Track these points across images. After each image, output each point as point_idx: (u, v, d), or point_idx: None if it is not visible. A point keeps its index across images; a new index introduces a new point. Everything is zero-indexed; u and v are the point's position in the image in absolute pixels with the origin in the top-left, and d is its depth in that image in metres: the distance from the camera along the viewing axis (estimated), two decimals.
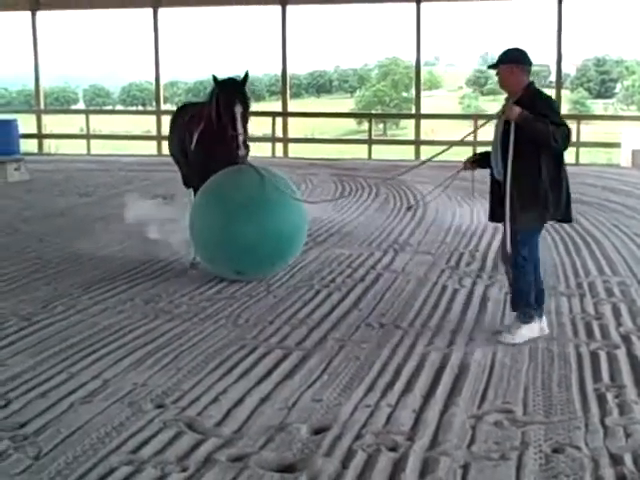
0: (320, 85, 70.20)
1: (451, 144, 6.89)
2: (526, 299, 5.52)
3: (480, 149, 6.63)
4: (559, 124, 5.23)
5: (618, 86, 73.05)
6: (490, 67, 5.79)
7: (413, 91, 22.59)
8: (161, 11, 21.10)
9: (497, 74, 5.56)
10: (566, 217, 5.56)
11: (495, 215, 5.59)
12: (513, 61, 5.50)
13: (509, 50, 5.62)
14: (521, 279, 5.51)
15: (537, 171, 5.29)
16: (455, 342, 5.42)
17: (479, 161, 5.87)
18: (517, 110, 5.23)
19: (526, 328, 5.49)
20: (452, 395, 4.49)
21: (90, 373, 4.79)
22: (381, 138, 39.14)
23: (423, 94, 22.69)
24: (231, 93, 7.04)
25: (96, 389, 4.54)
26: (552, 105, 5.54)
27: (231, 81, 7.22)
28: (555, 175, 5.34)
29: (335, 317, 5.99)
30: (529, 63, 5.60)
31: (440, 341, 5.45)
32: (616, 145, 19.06)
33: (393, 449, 3.84)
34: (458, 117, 38.03)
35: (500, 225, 5.49)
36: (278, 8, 20.58)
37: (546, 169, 5.29)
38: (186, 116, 7.88)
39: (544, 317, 5.66)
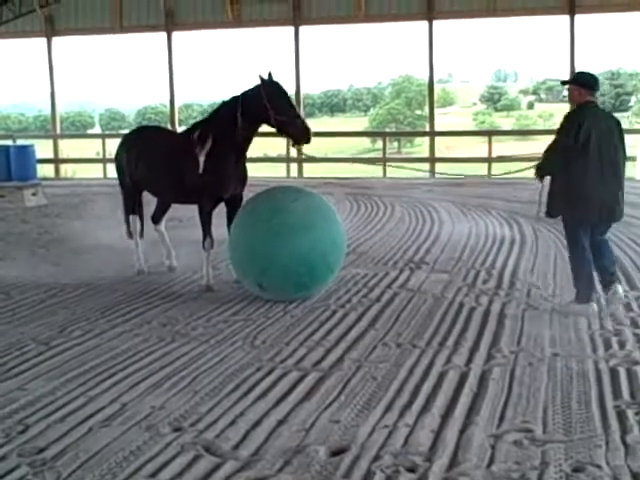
0: (334, 104, 70.42)
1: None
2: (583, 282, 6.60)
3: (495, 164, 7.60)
4: (556, 140, 6.53)
5: (633, 99, 72.88)
6: (563, 83, 7.17)
7: (427, 108, 22.60)
8: (175, 34, 21.29)
9: (568, 89, 6.88)
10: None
11: None
12: (577, 82, 6.74)
13: (579, 73, 7.09)
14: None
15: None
16: (473, 361, 5.39)
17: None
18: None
19: (577, 307, 6.55)
20: (471, 414, 4.46)
21: (108, 397, 4.79)
22: (396, 156, 39.22)
23: (437, 111, 22.75)
24: (280, 86, 7.36)
25: (114, 413, 4.54)
26: (570, 117, 6.60)
27: (271, 79, 7.39)
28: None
29: (352, 337, 5.97)
30: (592, 87, 6.72)
31: (458, 360, 5.42)
32: (632, 159, 18.98)
33: (412, 470, 3.81)
34: (472, 134, 37.99)
35: None
36: (291, 29, 20.73)
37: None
38: (155, 140, 8.20)
39: (614, 286, 6.63)
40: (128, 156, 8.24)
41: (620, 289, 6.69)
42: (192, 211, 8.07)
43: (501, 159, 19.48)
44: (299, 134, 7.25)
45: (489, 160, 19.72)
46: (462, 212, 12.59)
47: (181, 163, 7.65)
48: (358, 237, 10.71)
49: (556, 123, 17.54)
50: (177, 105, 22.30)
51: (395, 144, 51.29)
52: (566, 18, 19.70)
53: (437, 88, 27.54)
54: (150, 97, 63.13)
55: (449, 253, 9.32)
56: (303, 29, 20.92)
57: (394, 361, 5.41)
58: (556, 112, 47.80)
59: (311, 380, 5.04)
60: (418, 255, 9.23)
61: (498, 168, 18.11)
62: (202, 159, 7.44)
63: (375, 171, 21.05)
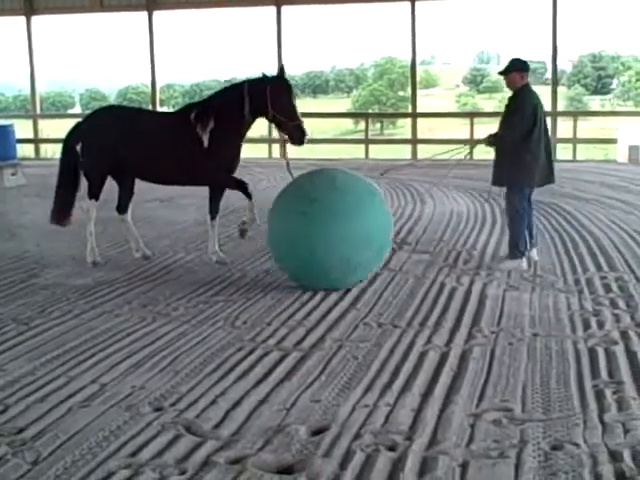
0: (317, 85, 70.21)
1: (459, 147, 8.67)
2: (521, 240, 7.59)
3: None
4: (510, 115, 7.48)
5: (615, 82, 73.12)
6: (502, 73, 7.71)
7: (409, 90, 22.54)
8: (156, 14, 21.09)
9: (504, 78, 7.66)
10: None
11: None
12: (520, 69, 7.55)
13: (516, 59, 7.69)
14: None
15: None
16: (453, 340, 5.42)
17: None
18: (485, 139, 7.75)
19: (511, 262, 7.51)
20: (451, 394, 4.48)
21: (88, 377, 4.78)
22: (378, 137, 39.18)
23: (419, 93, 22.70)
24: (286, 85, 7.36)
25: (94, 393, 4.53)
26: (522, 99, 7.52)
27: (280, 75, 7.45)
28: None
29: (333, 317, 5.98)
30: (528, 69, 7.69)
31: (438, 340, 5.44)
32: (613, 141, 19.07)
33: (392, 449, 3.83)
34: (454, 115, 37.90)
35: None
36: (273, 9, 20.59)
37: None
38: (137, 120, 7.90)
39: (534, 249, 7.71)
40: (104, 138, 7.70)
41: (535, 252, 7.76)
42: (172, 191, 8.03)
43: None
44: (295, 135, 7.33)
45: (471, 142, 19.69)
46: (444, 193, 12.59)
47: (183, 143, 7.51)
48: None
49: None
50: (159, 85, 22.13)
51: (378, 125, 51.24)
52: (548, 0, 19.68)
53: (420, 70, 27.51)
54: (131, 77, 62.66)
55: (431, 234, 9.34)
56: (285, 9, 20.78)
57: (375, 341, 5.43)
58: (539, 94, 47.91)
59: (292, 360, 5.05)
60: (400, 235, 9.23)
61: (479, 150, 18.12)
62: (206, 137, 7.41)
63: (357, 152, 21.03)
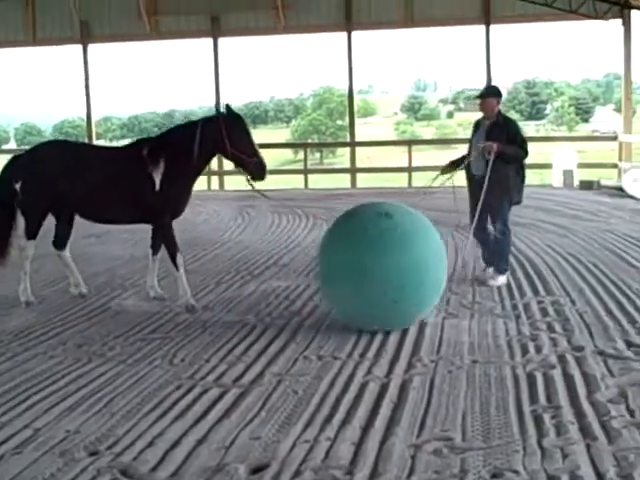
0: (256, 116, 70.44)
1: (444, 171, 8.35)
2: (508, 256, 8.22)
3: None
4: (523, 142, 7.82)
5: (548, 107, 74.89)
6: (481, 96, 8.05)
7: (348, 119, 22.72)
8: (91, 47, 20.97)
9: (479, 103, 8.01)
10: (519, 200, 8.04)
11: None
12: (497, 95, 8.05)
13: (494, 86, 8.59)
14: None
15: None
16: (394, 371, 5.41)
17: (455, 165, 8.20)
18: (495, 147, 7.62)
19: (501, 277, 7.93)
20: (391, 425, 4.46)
21: (21, 422, 4.63)
22: (317, 167, 39.38)
23: (358, 121, 22.95)
24: (242, 121, 7.28)
25: (27, 439, 4.39)
26: (518, 126, 8.18)
27: (233, 112, 7.30)
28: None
29: (272, 352, 5.92)
30: (501, 96, 8.20)
31: (379, 370, 5.43)
32: (548, 166, 19.46)
33: None
34: (392, 143, 38.30)
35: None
36: (210, 41, 20.65)
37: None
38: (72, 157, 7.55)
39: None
40: (46, 175, 7.40)
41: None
42: (107, 227, 7.90)
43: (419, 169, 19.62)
44: (255, 171, 7.21)
45: (409, 170, 19.95)
46: None
47: (133, 181, 7.28)
48: (280, 249, 10.68)
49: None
50: (95, 119, 21.93)
51: (317, 155, 51.56)
52: (482, 28, 20.11)
53: (358, 99, 27.80)
54: (67, 111, 62.04)
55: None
56: (222, 41, 20.85)
57: (315, 374, 5.39)
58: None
59: (231, 397, 4.98)
60: None
61: (418, 177, 18.31)
62: (158, 178, 7.20)
63: (297, 182, 21.09)
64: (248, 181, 7.30)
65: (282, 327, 6.59)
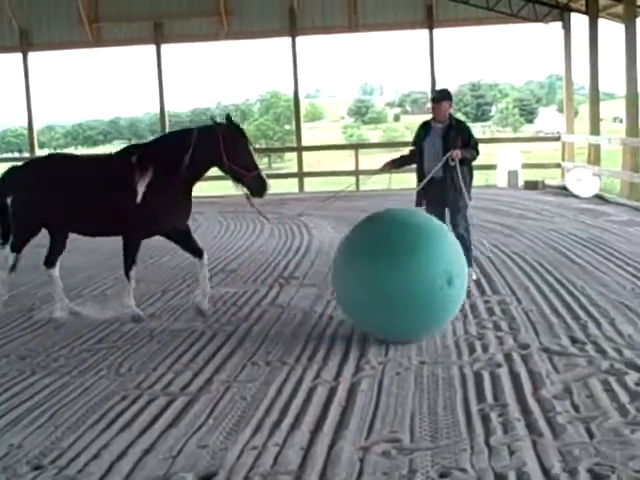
0: (202, 122, 70.12)
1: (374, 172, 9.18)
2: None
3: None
4: (476, 144, 8.06)
5: (493, 109, 75.94)
6: (437, 100, 8.10)
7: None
8: (31, 55, 20.66)
9: (434, 106, 8.09)
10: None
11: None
12: (450, 98, 8.17)
13: (446, 90, 8.39)
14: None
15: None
16: (342, 374, 5.41)
17: (396, 165, 8.32)
18: (460, 154, 7.81)
19: (471, 269, 7.83)
20: (340, 429, 4.45)
21: None
22: (265, 172, 39.25)
23: (306, 126, 23.01)
24: (241, 132, 6.91)
25: None
26: (470, 128, 8.31)
27: (233, 122, 6.92)
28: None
29: (220, 358, 5.88)
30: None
31: (327, 374, 5.42)
32: (493, 167, 19.70)
33: None
34: (339, 147, 38.25)
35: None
36: (153, 47, 20.50)
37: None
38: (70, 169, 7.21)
39: None
40: (33, 189, 7.08)
41: None
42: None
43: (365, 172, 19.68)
44: (255, 187, 6.83)
45: (356, 173, 20.02)
46: (332, 226, 12.69)
47: (115, 190, 6.89)
48: (227, 255, 10.63)
49: None
50: (37, 127, 21.59)
51: (266, 160, 51.45)
52: (426, 32, 20.30)
53: (305, 103, 27.82)
54: (9, 120, 61.01)
55: (318, 267, 9.37)
56: (166, 47, 20.71)
57: (263, 380, 5.36)
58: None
59: (179, 405, 4.92)
60: (287, 270, 9.24)
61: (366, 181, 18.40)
62: (141, 189, 6.81)
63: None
64: (247, 197, 6.96)
65: (230, 334, 6.55)
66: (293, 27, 20.14)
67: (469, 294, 7.50)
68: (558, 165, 20.16)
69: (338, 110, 76.77)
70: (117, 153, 7.57)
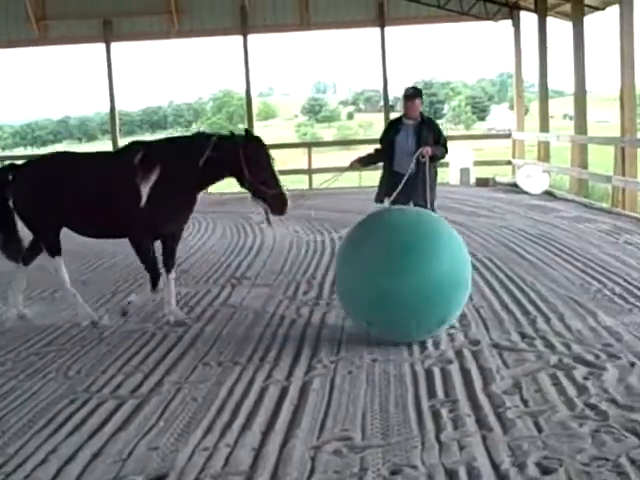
0: (154, 121, 69.55)
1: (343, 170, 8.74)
2: None
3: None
4: (445, 142, 8.16)
5: (446, 107, 76.54)
6: (410, 97, 8.09)
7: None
8: None
9: (407, 103, 8.07)
10: None
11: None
12: (421, 95, 8.28)
13: (418, 87, 8.63)
14: None
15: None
16: (294, 373, 5.40)
17: (363, 163, 8.26)
18: (431, 151, 7.89)
19: None
20: (292, 428, 4.44)
21: None
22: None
23: (259, 124, 22.95)
24: (264, 147, 6.62)
25: None
26: (440, 127, 8.45)
27: (253, 135, 6.69)
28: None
29: (171, 360, 5.82)
30: None
31: (279, 374, 5.41)
32: (445, 164, 19.82)
33: None
34: (292, 146, 38.14)
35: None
36: (102, 46, 20.27)
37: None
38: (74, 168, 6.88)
39: None
40: (46, 188, 6.82)
41: None
42: None
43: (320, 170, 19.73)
44: (276, 205, 6.55)
45: (309, 171, 20.05)
46: (284, 224, 12.64)
47: (117, 189, 6.61)
48: (179, 255, 10.50)
49: (376, 132, 17.93)
50: None
51: None
52: (377, 30, 20.38)
53: (258, 101, 27.73)
54: None
55: (271, 266, 9.35)
56: (115, 45, 20.50)
57: (215, 380, 5.32)
58: (375, 121, 49.21)
59: (128, 408, 4.87)
60: (240, 270, 9.20)
61: (319, 179, 18.43)
62: (145, 190, 6.52)
63: None
64: (266, 214, 6.72)
65: (181, 335, 6.50)
66: (244, 25, 20.08)
67: None
68: (509, 162, 20.38)
69: (292, 108, 76.71)
70: (120, 150, 7.28)
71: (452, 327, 6.32)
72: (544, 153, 18.39)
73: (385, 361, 5.57)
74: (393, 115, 23.99)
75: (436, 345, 5.90)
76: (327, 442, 4.24)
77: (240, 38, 20.36)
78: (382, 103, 22.13)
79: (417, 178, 7.91)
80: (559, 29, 18.00)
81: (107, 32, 20.02)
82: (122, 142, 21.96)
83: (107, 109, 21.33)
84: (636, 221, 11.99)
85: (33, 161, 7.46)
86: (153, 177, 6.55)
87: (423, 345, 5.90)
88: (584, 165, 16.21)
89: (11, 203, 7.00)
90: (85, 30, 20.12)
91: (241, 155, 6.44)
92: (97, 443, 4.34)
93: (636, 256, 8.97)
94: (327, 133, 65.93)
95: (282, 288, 8.08)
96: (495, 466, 3.86)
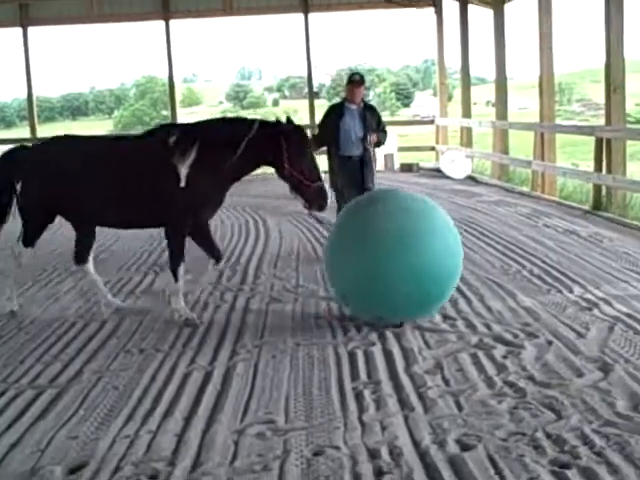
0: (75, 108, 68.14)
1: None
2: None
3: None
4: (385, 127, 8.52)
5: (371, 93, 77.00)
6: (357, 83, 8.32)
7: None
8: None
9: (353, 89, 8.30)
10: None
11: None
12: (365, 81, 8.53)
13: (362, 75, 8.68)
14: None
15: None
16: (217, 359, 5.37)
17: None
18: (376, 137, 8.30)
19: None
20: (215, 413, 4.42)
21: None
22: None
23: (184, 111, 22.72)
24: (306, 137, 6.35)
25: None
26: (380, 113, 8.72)
27: (295, 124, 6.24)
28: None
29: (92, 348, 5.72)
30: None
31: (202, 359, 5.37)
32: None
33: (154, 477, 3.71)
34: None
35: None
36: (19, 30, 19.72)
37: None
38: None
39: None
40: (51, 177, 6.33)
41: None
42: None
43: None
44: (316, 200, 6.23)
45: None
46: None
47: (154, 173, 6.16)
48: (99, 244, 10.32)
49: (302, 119, 17.92)
50: None
51: None
52: (301, 16, 20.32)
53: (182, 88, 27.41)
54: None
55: (194, 252, 9.21)
56: (33, 30, 19.97)
57: (137, 368, 5.26)
58: (300, 108, 49.20)
59: (47, 397, 4.76)
60: (163, 257, 9.06)
61: None
62: (184, 171, 6.08)
63: None
64: (309, 210, 6.54)
65: (102, 323, 6.39)
66: (166, 10, 19.78)
67: None
68: (432, 148, 20.63)
69: (216, 95, 76.13)
70: (147, 133, 6.72)
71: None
72: (467, 139, 18.65)
73: (309, 345, 5.58)
74: (318, 102, 24.08)
75: (359, 328, 5.94)
76: (250, 426, 4.23)
77: (162, 23, 20.05)
78: (307, 90, 22.12)
79: (365, 162, 8.21)
80: (481, 16, 18.23)
81: (23, 16, 19.46)
82: (41, 129, 21.55)
83: (25, 95, 20.80)
84: (555, 204, 12.29)
85: (44, 144, 6.92)
86: (190, 159, 6.09)
87: (346, 328, 5.94)
88: (505, 150, 16.51)
89: (19, 187, 6.46)
90: (1, 14, 19.53)
91: (283, 144, 6.06)
92: (14, 434, 4.24)
93: (554, 238, 9.19)
94: None
95: (206, 274, 8.00)
96: (416, 444, 3.91)
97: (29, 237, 6.61)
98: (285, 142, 6.06)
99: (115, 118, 64.92)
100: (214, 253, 6.66)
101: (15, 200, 6.57)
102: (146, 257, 9.19)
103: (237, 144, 6.09)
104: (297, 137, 6.15)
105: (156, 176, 6.13)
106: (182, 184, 6.09)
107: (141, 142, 6.57)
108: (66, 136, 6.87)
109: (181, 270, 6.36)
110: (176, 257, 6.38)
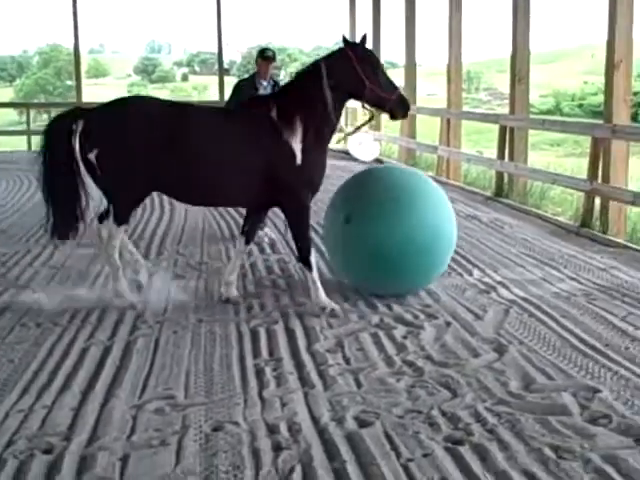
0: None
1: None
2: None
3: None
4: None
5: (282, 73, 76.78)
6: (270, 58, 8.10)
7: None
8: None
9: (265, 64, 8.07)
10: None
11: None
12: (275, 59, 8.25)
13: (274, 51, 8.43)
14: None
15: None
16: (117, 334, 5.30)
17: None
18: None
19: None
20: (113, 388, 4.37)
21: None
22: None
23: (89, 81, 22.22)
24: (371, 51, 6.12)
25: None
26: None
27: (355, 42, 6.05)
28: None
29: None
30: None
31: (102, 334, 5.29)
32: None
33: (48, 451, 3.64)
34: None
35: None
36: None
37: None
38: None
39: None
40: (143, 142, 5.63)
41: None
42: None
43: None
44: (400, 109, 6.02)
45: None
46: None
47: (267, 151, 5.77)
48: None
49: (210, 95, 17.88)
50: None
51: (45, 117, 49.13)
52: None
53: (89, 58, 26.75)
54: None
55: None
56: None
57: (33, 341, 5.14)
58: (210, 84, 48.66)
59: None
60: None
61: None
62: (299, 147, 5.76)
63: (21, 144, 19.98)
64: (394, 119, 6.21)
65: None
66: None
67: (250, 253, 7.58)
68: (341, 130, 20.69)
69: (124, 67, 74.54)
70: (245, 105, 6.39)
71: (279, 289, 6.40)
72: (375, 122, 18.80)
73: (211, 321, 5.57)
74: (229, 79, 23.87)
75: (262, 306, 5.95)
76: (149, 401, 4.20)
77: None
78: (217, 66, 21.92)
79: None
80: (393, 1, 18.38)
81: None
82: None
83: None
84: (458, 190, 12.54)
85: (123, 105, 5.98)
86: (299, 132, 5.79)
87: (250, 306, 5.94)
88: (412, 135, 16.75)
89: (93, 157, 5.68)
90: None
91: (356, 63, 5.82)
92: None
93: (456, 223, 9.35)
94: (161, 94, 64.22)
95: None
96: (315, 421, 3.95)
97: (121, 213, 5.90)
98: (355, 58, 5.85)
99: (17, 86, 62.84)
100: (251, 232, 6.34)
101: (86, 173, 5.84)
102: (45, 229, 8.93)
103: (322, 94, 5.83)
104: (364, 52, 5.97)
105: (271, 153, 5.79)
106: (298, 162, 5.81)
107: (247, 115, 6.04)
108: (149, 97, 6.35)
109: (313, 258, 5.96)
110: (306, 244, 5.96)
